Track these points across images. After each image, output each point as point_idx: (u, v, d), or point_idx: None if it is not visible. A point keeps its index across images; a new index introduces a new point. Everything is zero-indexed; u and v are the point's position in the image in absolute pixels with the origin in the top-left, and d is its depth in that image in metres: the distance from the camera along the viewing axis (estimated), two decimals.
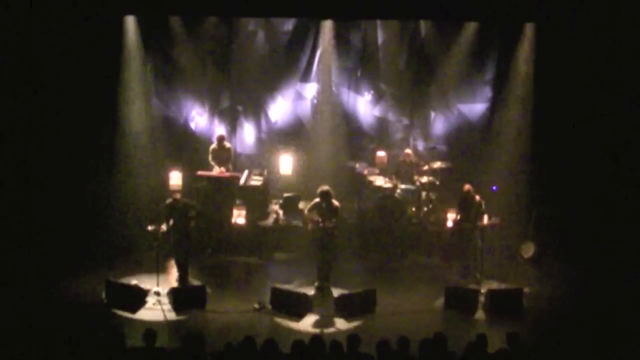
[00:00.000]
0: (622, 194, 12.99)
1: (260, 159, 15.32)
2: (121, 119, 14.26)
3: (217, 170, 13.70)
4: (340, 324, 10.62)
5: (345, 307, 10.88)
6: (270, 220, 14.02)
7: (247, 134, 15.51)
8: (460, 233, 12.24)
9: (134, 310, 10.78)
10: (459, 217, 12.23)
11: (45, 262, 12.11)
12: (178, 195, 11.78)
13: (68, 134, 13.39)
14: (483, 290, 11.35)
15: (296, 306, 10.89)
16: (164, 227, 11.40)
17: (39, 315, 10.36)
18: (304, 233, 12.25)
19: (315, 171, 14.73)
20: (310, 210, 11.64)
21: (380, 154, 14.71)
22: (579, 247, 12.85)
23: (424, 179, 13.99)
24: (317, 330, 10.23)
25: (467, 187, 12.18)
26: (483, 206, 12.00)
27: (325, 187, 11.58)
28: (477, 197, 12.05)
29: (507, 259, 13.06)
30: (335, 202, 11.57)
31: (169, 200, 11.74)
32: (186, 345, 7.65)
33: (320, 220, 11.48)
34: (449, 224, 13.03)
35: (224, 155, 13.89)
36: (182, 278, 11.75)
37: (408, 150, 14.47)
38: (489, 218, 11.91)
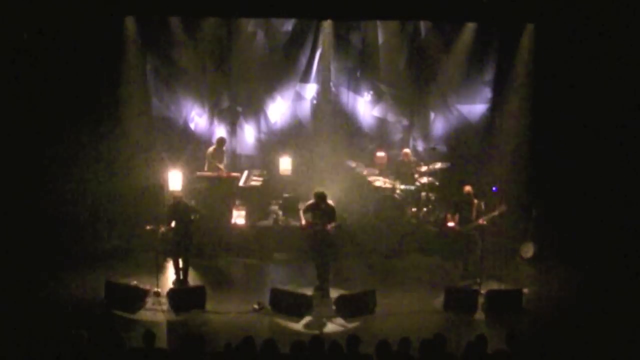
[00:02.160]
0: (622, 194, 13.00)
1: (260, 160, 15.32)
2: (121, 120, 14.27)
3: (216, 171, 13.70)
4: (340, 324, 10.60)
5: (344, 308, 10.88)
6: (269, 221, 14.03)
7: (247, 135, 15.49)
8: (459, 234, 12.22)
9: (134, 310, 10.78)
10: (457, 218, 12.22)
11: (45, 262, 12.10)
12: (179, 195, 11.78)
13: (68, 134, 13.39)
14: (483, 291, 11.34)
15: (296, 307, 10.88)
16: (163, 227, 11.40)
17: (38, 315, 10.33)
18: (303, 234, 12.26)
19: (315, 172, 14.76)
20: (304, 211, 11.62)
21: (380, 154, 14.72)
22: (578, 247, 12.85)
23: (424, 180, 14.00)
24: (316, 331, 10.22)
25: (467, 188, 12.16)
26: (482, 207, 11.99)
27: (320, 189, 11.54)
28: (476, 201, 12.03)
29: (507, 259, 13.05)
30: (331, 203, 11.55)
31: (171, 202, 11.75)
32: (186, 345, 7.66)
33: (314, 221, 11.43)
34: (450, 224, 13.01)
35: (221, 157, 13.92)
36: (181, 279, 11.76)
37: (406, 150, 14.49)
38: (494, 209, 11.83)
